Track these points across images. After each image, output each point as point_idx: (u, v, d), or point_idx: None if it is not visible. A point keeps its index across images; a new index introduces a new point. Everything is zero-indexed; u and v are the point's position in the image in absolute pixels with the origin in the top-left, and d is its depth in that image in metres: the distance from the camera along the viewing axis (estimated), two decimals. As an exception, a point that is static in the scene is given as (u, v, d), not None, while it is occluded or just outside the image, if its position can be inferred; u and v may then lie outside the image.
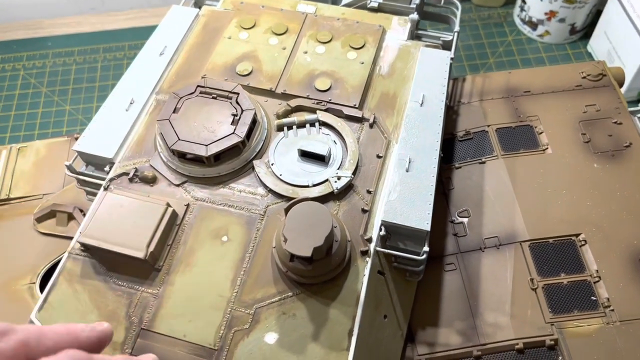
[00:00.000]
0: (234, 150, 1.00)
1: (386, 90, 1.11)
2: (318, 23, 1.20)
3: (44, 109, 1.75)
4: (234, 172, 1.01)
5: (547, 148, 1.21)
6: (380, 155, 1.03)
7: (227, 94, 1.04)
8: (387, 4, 1.23)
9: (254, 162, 1.01)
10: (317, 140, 1.03)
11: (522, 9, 1.76)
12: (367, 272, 0.92)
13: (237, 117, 1.01)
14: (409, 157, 1.01)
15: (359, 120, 1.07)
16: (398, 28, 1.21)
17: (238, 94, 1.04)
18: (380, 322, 0.96)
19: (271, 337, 0.88)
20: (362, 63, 1.13)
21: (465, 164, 1.22)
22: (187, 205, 0.98)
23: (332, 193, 0.98)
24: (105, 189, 1.01)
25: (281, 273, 0.91)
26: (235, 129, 1.00)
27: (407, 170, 1.00)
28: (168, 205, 0.96)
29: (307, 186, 0.99)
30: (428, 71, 1.12)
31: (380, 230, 0.95)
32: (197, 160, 1.00)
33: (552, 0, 1.63)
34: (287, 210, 0.89)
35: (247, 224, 0.96)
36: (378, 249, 0.95)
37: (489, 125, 1.25)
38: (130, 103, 1.10)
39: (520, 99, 1.29)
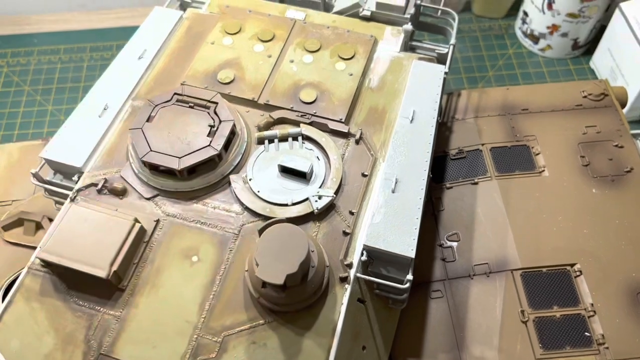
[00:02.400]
0: (209, 164, 0.94)
1: (375, 104, 1.05)
2: (307, 30, 1.14)
3: (25, 109, 1.69)
4: (209, 187, 0.95)
5: (543, 170, 1.15)
6: (366, 173, 0.97)
7: (205, 103, 0.98)
8: (381, 13, 1.16)
9: (231, 176, 0.95)
10: (299, 156, 0.96)
11: (523, 22, 1.70)
12: (345, 300, 0.86)
13: (215, 129, 0.95)
14: (396, 177, 0.95)
15: (345, 135, 1.01)
16: (391, 39, 1.14)
17: (217, 103, 0.98)
18: (359, 354, 0.90)
19: (239, 372, 0.82)
20: (351, 75, 1.07)
21: (457, 184, 1.15)
22: (157, 221, 0.92)
23: (312, 213, 0.92)
24: (72, 200, 0.95)
25: (253, 299, 0.85)
26: (211, 141, 0.93)
27: (392, 191, 0.94)
28: (136, 221, 0.90)
29: (286, 205, 0.93)
30: (420, 86, 1.06)
31: (362, 255, 0.89)
32: (170, 173, 0.93)
33: (555, 13, 1.57)
34: (261, 231, 0.83)
35: (220, 243, 0.90)
36: (359, 275, 0.88)
37: (483, 144, 1.19)
38: (104, 109, 1.04)
39: (518, 117, 1.23)
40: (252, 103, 1.05)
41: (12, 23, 1.91)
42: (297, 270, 0.78)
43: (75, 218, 0.90)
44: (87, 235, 0.88)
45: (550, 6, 1.58)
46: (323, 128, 1.01)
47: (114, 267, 0.85)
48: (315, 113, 1.02)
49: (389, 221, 0.91)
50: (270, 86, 1.06)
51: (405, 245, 0.88)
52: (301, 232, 0.81)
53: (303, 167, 0.94)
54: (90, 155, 0.99)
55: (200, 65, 1.09)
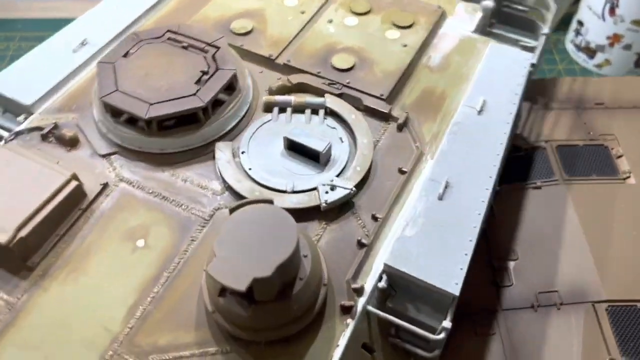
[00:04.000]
0: (190, 121, 0.69)
1: (432, 86, 0.78)
2: (357, -9, 0.89)
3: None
4: (185, 152, 0.69)
5: (628, 176, 0.90)
6: (405, 170, 0.69)
7: (203, 46, 0.73)
8: (455, -17, 0.91)
9: (217, 144, 0.69)
10: (316, 133, 0.70)
11: (577, 33, 1.39)
12: (343, 341, 0.56)
13: (207, 76, 0.70)
14: (447, 181, 0.66)
15: (385, 117, 0.73)
16: (464, 16, 0.88)
17: (219, 48, 0.73)
18: None
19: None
20: (405, 46, 0.80)
21: (513, 188, 0.89)
22: (105, 185, 0.66)
23: (317, 208, 0.64)
24: (6, 142, 0.71)
25: (208, 314, 0.57)
26: (198, 91, 0.68)
27: (440, 199, 0.65)
28: (74, 178, 0.64)
29: (284, 191, 0.65)
30: (497, 73, 0.78)
31: (380, 279, 0.60)
32: (135, 123, 0.68)
33: (618, 20, 1.26)
34: (232, 211, 0.55)
35: (181, 228, 0.63)
36: (370, 308, 0.59)
37: (547, 141, 0.95)
38: (82, 44, 0.81)
39: (591, 112, 0.99)
40: (269, 62, 0.79)
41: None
42: (271, 275, 0.49)
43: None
44: (4, 186, 0.63)
45: (612, 11, 1.27)
46: (356, 104, 0.74)
47: (22, 233, 0.59)
48: (348, 83, 0.75)
49: (427, 238, 0.62)
50: (295, 45, 0.80)
51: (447, 275, 0.59)
52: (290, 221, 0.53)
53: (317, 146, 0.67)
54: (47, 94, 0.75)
55: (214, 12, 0.85)
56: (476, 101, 0.74)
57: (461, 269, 0.60)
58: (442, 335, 0.58)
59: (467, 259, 0.60)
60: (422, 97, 0.77)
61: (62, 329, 0.57)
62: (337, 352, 0.56)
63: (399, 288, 0.62)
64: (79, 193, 0.64)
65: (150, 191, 0.66)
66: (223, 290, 0.53)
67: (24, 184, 0.63)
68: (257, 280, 0.50)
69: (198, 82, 0.69)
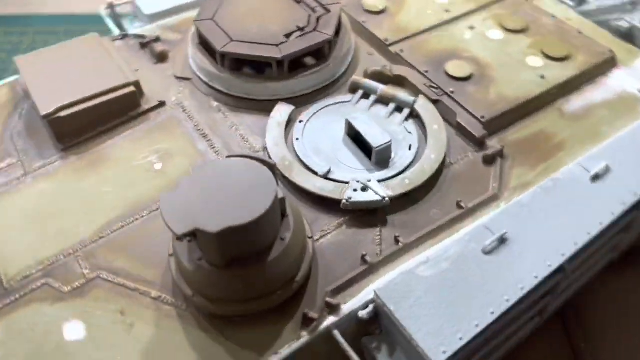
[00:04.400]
0: (262, 70, 0.64)
1: (553, 132, 0.63)
2: (518, 7, 0.76)
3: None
4: (249, 101, 0.65)
5: None
6: (463, 206, 0.56)
7: (316, 5, 0.68)
8: (648, 33, 0.73)
9: (280, 103, 0.63)
10: (385, 128, 0.60)
11: None
12: (284, 352, 0.47)
13: (300, 34, 0.64)
14: (506, 236, 0.52)
15: (476, 142, 0.61)
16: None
17: (328, 11, 0.67)
18: None
19: (75, 329, 0.49)
20: (543, 78, 0.66)
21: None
22: (161, 103, 0.65)
23: (337, 203, 0.55)
24: (113, 40, 0.74)
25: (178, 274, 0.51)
26: (282, 43, 0.63)
27: (484, 252, 0.51)
28: (135, 85, 0.64)
29: (314, 172, 0.57)
30: (645, 146, 0.61)
31: (365, 308, 0.49)
32: (213, 55, 0.65)
33: None
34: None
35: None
36: (336, 334, 0.48)
37: None
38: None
39: None
40: (382, 46, 0.71)
41: (11, 3, 1.75)
42: (217, 232, 0.42)
43: (82, 46, 0.68)
44: (74, 65, 0.65)
45: None
46: (449, 117, 0.62)
47: (62, 113, 0.60)
48: (452, 92, 0.64)
49: (440, 287, 0.49)
50: (418, 39, 0.71)
51: (438, 339, 0.46)
52: (270, 177, 0.46)
53: (374, 141, 0.57)
54: (167, 12, 0.78)
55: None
56: (596, 164, 0.58)
57: (460, 339, 0.46)
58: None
59: (474, 332, 0.46)
60: (533, 139, 0.62)
61: (50, 210, 0.57)
62: (285, 350, 0.47)
63: (384, 329, 0.50)
64: (132, 99, 0.64)
65: (196, 124, 0.63)
66: (186, 236, 0.48)
67: (91, 72, 0.65)
68: (201, 233, 0.43)
69: (288, 35, 0.64)
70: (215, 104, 0.65)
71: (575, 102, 0.66)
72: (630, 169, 0.58)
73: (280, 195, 0.48)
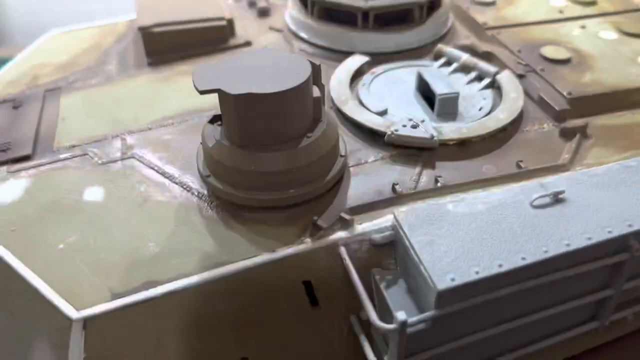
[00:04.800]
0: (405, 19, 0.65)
1: (653, 125, 0.54)
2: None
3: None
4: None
5: None
6: (523, 167, 0.49)
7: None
8: None
9: (355, 54, 0.62)
10: (453, 85, 0.56)
11: None
12: (280, 253, 0.43)
13: None
14: (563, 196, 0.44)
15: (555, 115, 0.54)
16: None
17: (431, -16, 0.67)
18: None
19: (95, 192, 0.50)
20: (652, 72, 0.58)
21: None
22: (247, 43, 0.67)
23: (383, 137, 0.51)
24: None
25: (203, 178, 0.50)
26: None
27: (532, 205, 0.44)
28: (228, 21, 0.67)
29: (367, 108, 0.54)
30: None
31: (383, 232, 0.44)
32: (347, 21, 0.67)
33: None
34: None
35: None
36: (342, 250, 0.44)
37: None
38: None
39: None
40: (479, 30, 0.68)
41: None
42: (265, 94, 0.41)
43: None
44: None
45: None
46: (532, 90, 0.57)
47: (155, 29, 0.65)
48: (541, 70, 0.59)
49: (467, 224, 0.42)
50: (519, 28, 0.67)
51: (448, 267, 0.39)
52: (307, 68, 0.44)
53: (440, 88, 0.54)
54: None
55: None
56: (700, 157, 0.48)
57: (476, 272, 0.39)
58: (391, 326, 0.38)
59: (495, 271, 0.39)
60: (626, 128, 0.54)
61: (116, 104, 0.60)
62: (263, 257, 0.43)
63: (399, 264, 0.44)
64: (221, 33, 0.67)
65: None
66: (214, 119, 0.47)
67: (193, 5, 0.69)
68: (222, 96, 0.42)
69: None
70: (298, 50, 0.66)
71: (691, 105, 0.57)
72: None
73: (316, 95, 0.46)
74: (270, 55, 0.47)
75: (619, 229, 0.43)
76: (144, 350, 0.42)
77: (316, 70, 0.46)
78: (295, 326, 0.45)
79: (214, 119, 0.48)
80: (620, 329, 0.52)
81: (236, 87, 0.42)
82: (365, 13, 0.63)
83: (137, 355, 0.42)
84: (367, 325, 0.45)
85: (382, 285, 0.44)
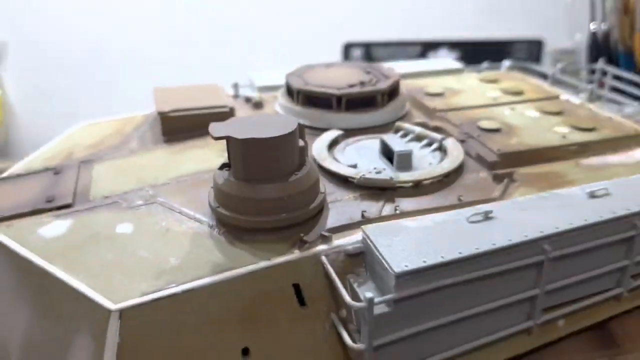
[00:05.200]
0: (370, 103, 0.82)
1: (566, 173, 0.70)
2: (562, 106, 0.87)
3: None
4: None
5: None
6: (462, 199, 0.63)
7: (381, 76, 0.86)
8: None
9: (334, 130, 0.78)
10: (407, 145, 0.72)
11: None
12: (270, 262, 0.55)
13: (377, 79, 0.82)
14: (492, 215, 0.58)
15: (488, 165, 0.70)
16: None
17: (388, 77, 0.84)
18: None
19: (125, 227, 0.62)
20: (564, 137, 0.75)
21: None
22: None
23: (350, 181, 0.65)
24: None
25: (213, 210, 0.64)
26: (374, 84, 0.82)
27: (468, 221, 0.57)
28: (230, 109, 0.84)
29: (337, 160, 0.69)
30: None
31: (353, 246, 0.57)
32: (291, 95, 0.84)
33: None
34: None
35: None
36: (324, 259, 0.56)
37: None
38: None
39: None
40: (430, 113, 0.86)
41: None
42: (241, 140, 0.56)
43: (203, 87, 0.91)
44: (192, 93, 0.88)
45: None
46: (470, 150, 0.73)
47: (171, 113, 0.81)
48: (478, 136, 0.75)
49: (421, 234, 0.55)
50: (462, 111, 0.85)
51: (404, 257, 0.52)
52: (294, 123, 0.59)
53: (397, 147, 0.69)
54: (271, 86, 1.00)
55: (429, 84, 0.97)
56: (599, 188, 0.63)
57: (424, 261, 0.51)
58: (361, 304, 0.50)
59: (438, 260, 0.51)
60: (545, 174, 0.69)
61: (140, 169, 0.74)
62: (261, 264, 0.55)
63: (368, 268, 0.56)
64: (225, 117, 0.80)
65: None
66: (222, 166, 0.62)
67: (202, 97, 0.86)
68: (231, 141, 0.57)
69: (352, 86, 0.82)
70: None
71: (594, 160, 0.73)
72: (628, 196, 0.62)
73: (301, 144, 0.61)
74: (268, 116, 0.62)
75: (533, 234, 0.56)
76: (167, 337, 0.52)
77: (301, 128, 0.61)
78: (287, 321, 0.56)
79: (222, 167, 0.62)
80: (552, 334, 0.63)
81: (242, 134, 0.57)
82: (339, 99, 0.80)
83: (161, 341, 0.52)
84: (344, 321, 0.56)
85: (355, 285, 0.56)
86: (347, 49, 1.80)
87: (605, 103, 0.99)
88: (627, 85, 1.00)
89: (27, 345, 0.57)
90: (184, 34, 1.77)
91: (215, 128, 0.59)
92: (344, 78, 0.85)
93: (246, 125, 0.60)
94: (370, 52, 1.82)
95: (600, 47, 1.46)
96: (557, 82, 1.10)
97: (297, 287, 0.56)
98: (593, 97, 0.99)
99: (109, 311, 0.51)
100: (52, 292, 0.56)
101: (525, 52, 1.83)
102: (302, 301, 0.56)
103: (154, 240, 0.60)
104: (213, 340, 0.54)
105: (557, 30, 1.70)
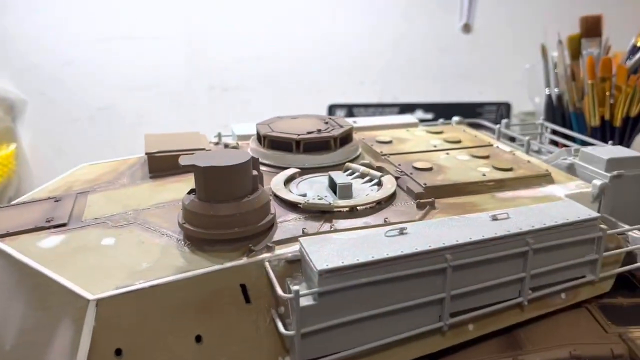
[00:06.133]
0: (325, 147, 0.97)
1: (480, 203, 0.83)
2: (493, 150, 1.02)
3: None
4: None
5: None
6: (387, 220, 0.76)
7: (335, 125, 1.01)
8: (585, 167, 0.92)
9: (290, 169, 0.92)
10: (356, 187, 0.85)
11: None
12: (222, 265, 0.68)
13: (333, 128, 0.98)
14: (406, 231, 0.71)
15: (414, 196, 0.83)
16: (572, 187, 0.88)
17: (342, 126, 0.99)
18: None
19: (109, 240, 0.75)
20: (484, 175, 0.89)
21: None
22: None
23: (298, 206, 0.79)
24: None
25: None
26: (329, 131, 0.97)
27: (385, 236, 0.70)
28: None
29: (290, 191, 0.83)
30: (540, 212, 0.78)
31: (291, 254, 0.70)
32: (260, 141, 0.99)
33: None
34: None
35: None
36: (266, 263, 0.69)
37: None
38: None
39: None
40: (378, 156, 1.00)
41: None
42: (202, 167, 0.70)
43: (186, 134, 1.06)
44: (177, 139, 1.03)
45: None
46: (402, 184, 0.87)
47: (157, 154, 0.96)
48: (410, 174, 0.89)
49: (344, 244, 0.68)
50: (404, 155, 0.99)
51: (327, 259, 0.65)
52: (248, 155, 0.73)
53: (339, 180, 0.83)
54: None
55: (382, 134, 1.12)
56: (500, 213, 0.75)
57: (342, 262, 0.64)
58: (289, 295, 0.62)
59: (354, 261, 0.64)
60: (462, 203, 0.82)
61: (126, 199, 0.88)
62: (214, 267, 0.68)
63: (304, 273, 0.69)
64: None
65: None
66: (190, 191, 0.75)
67: (185, 142, 1.01)
68: (195, 168, 0.71)
69: (310, 133, 0.97)
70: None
71: (507, 194, 0.86)
72: (524, 219, 0.75)
73: (254, 173, 0.75)
74: (228, 151, 0.77)
75: (435, 245, 0.69)
76: (135, 323, 0.64)
77: (255, 160, 0.76)
78: (235, 315, 0.68)
79: (190, 192, 0.76)
80: (463, 336, 0.74)
81: (204, 163, 0.71)
82: (298, 143, 0.95)
83: (130, 326, 0.64)
84: (282, 316, 0.68)
85: (291, 285, 0.68)
86: (332, 109, 1.98)
87: (545, 153, 1.14)
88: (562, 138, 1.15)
89: (20, 333, 0.70)
90: (183, 94, 1.96)
91: (183, 159, 0.73)
92: (305, 126, 1.00)
93: (209, 157, 0.74)
94: (352, 112, 1.99)
95: (555, 109, 1.62)
96: (504, 135, 1.25)
97: (243, 287, 0.69)
98: (529, 148, 1.14)
99: (88, 300, 0.64)
100: (43, 289, 0.69)
101: (495, 114, 2.00)
102: (247, 299, 0.69)
103: (130, 250, 0.73)
104: (172, 328, 0.66)
105: (523, 94, 1.87)
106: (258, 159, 0.77)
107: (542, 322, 0.78)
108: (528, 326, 0.78)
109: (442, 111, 1.98)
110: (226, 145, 1.09)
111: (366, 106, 1.99)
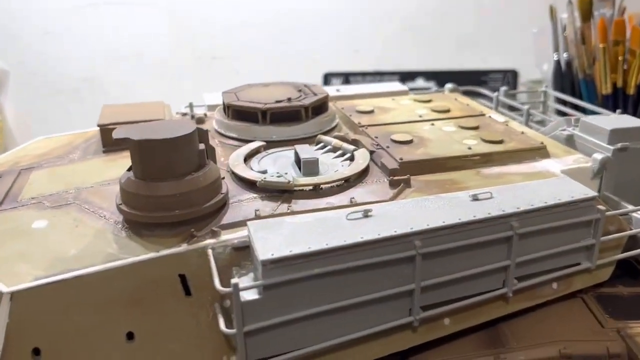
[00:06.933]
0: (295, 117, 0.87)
1: (462, 180, 0.74)
2: (484, 120, 0.92)
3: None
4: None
5: None
6: (354, 201, 0.67)
7: (309, 92, 0.91)
8: (585, 138, 0.81)
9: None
10: (325, 161, 0.76)
11: None
12: (159, 253, 0.60)
13: (305, 96, 0.88)
14: (371, 213, 0.62)
15: (387, 171, 0.74)
16: (569, 162, 0.78)
17: (316, 94, 0.90)
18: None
19: (41, 223, 0.67)
20: (469, 149, 0.78)
21: None
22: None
23: (255, 184, 0.70)
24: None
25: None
26: (300, 100, 0.87)
27: (347, 219, 0.61)
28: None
29: (251, 169, 0.74)
30: (533, 189, 0.68)
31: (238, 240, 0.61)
32: (225, 111, 0.90)
33: None
34: None
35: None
36: (209, 251, 0.60)
37: None
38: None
39: None
40: (355, 127, 0.90)
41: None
42: (158, 139, 0.61)
43: (147, 104, 0.98)
44: (135, 109, 0.94)
45: None
46: (377, 159, 0.77)
47: (109, 126, 0.87)
48: (387, 147, 0.79)
49: (298, 229, 0.59)
50: (385, 127, 0.89)
51: (275, 247, 0.56)
52: (194, 126, 0.64)
53: (304, 155, 0.74)
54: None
55: (364, 103, 1.02)
56: (482, 192, 0.66)
57: (290, 251, 0.55)
58: (228, 289, 0.54)
59: (304, 250, 0.55)
60: (441, 182, 0.73)
61: (72, 175, 0.79)
62: (148, 255, 0.59)
63: (252, 261, 0.60)
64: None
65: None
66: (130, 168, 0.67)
67: (143, 112, 0.92)
68: (129, 142, 0.62)
69: (279, 102, 0.87)
70: (217, 141, 0.87)
71: (494, 170, 0.76)
72: (509, 199, 0.65)
73: (201, 147, 0.66)
74: (169, 121, 0.68)
75: (402, 230, 0.59)
76: (55, 319, 0.56)
77: (203, 133, 0.66)
78: (173, 309, 0.59)
79: (129, 168, 0.67)
80: (437, 332, 0.65)
81: (139, 136, 0.62)
82: (264, 113, 0.85)
83: (49, 322, 0.56)
84: (227, 312, 0.60)
85: (237, 276, 0.60)
86: (327, 77, 1.87)
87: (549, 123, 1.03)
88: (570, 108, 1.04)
89: None
90: (171, 65, 1.86)
91: (117, 131, 0.64)
92: (275, 95, 0.90)
93: (146, 129, 0.65)
94: (349, 81, 1.88)
95: (564, 75, 1.50)
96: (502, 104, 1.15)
97: (183, 277, 0.61)
98: (528, 118, 1.03)
99: (1, 293, 0.56)
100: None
101: (500, 82, 1.87)
102: (187, 290, 0.60)
103: (62, 234, 0.65)
104: (98, 324, 0.58)
105: (530, 61, 1.74)
106: (207, 130, 0.67)
107: (529, 316, 0.69)
108: (513, 320, 0.69)
109: (444, 79, 1.85)
110: (192, 117, 1.00)
111: (364, 74, 1.87)
